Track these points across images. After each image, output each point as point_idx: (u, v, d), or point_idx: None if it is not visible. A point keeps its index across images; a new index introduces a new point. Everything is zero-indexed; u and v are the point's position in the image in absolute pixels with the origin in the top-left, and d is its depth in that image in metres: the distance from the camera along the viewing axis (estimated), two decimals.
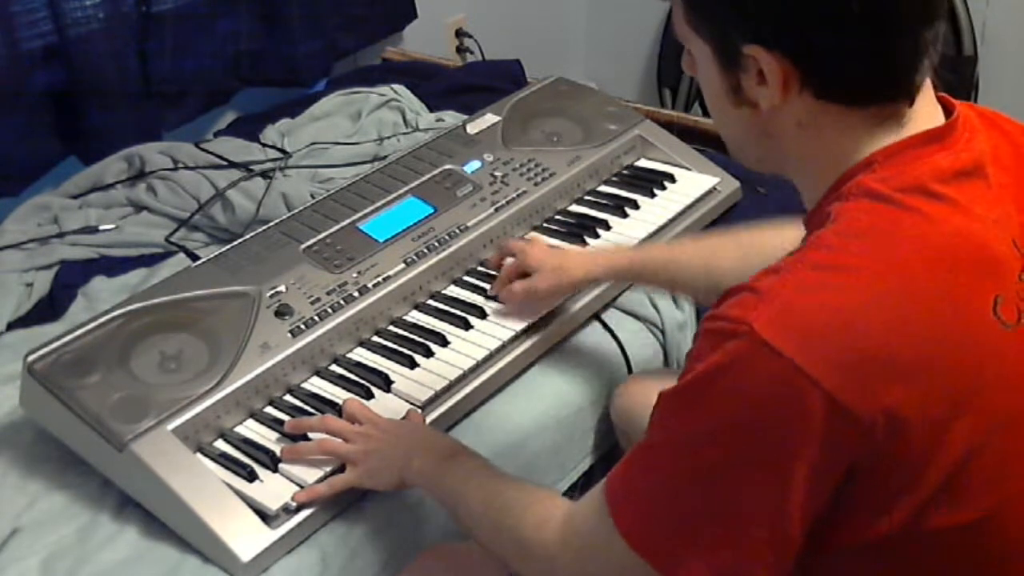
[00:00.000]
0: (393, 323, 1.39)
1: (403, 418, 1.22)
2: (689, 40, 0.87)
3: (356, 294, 1.35)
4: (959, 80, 2.52)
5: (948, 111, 0.86)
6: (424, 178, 1.56)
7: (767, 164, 0.91)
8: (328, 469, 1.16)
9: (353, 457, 1.14)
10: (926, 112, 0.84)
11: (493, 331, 1.37)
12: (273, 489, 1.13)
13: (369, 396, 1.26)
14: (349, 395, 1.25)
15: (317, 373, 1.31)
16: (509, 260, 1.41)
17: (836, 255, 0.78)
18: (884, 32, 0.78)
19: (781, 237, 1.16)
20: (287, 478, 1.15)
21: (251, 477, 1.14)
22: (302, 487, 1.13)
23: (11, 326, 1.50)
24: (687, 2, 0.85)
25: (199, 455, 1.17)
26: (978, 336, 0.78)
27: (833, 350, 0.74)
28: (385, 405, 1.25)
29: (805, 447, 0.75)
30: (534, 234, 1.54)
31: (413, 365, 1.31)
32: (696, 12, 0.85)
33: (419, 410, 1.24)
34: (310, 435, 1.19)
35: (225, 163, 1.80)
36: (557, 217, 1.61)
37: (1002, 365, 0.79)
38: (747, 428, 0.76)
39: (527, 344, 1.37)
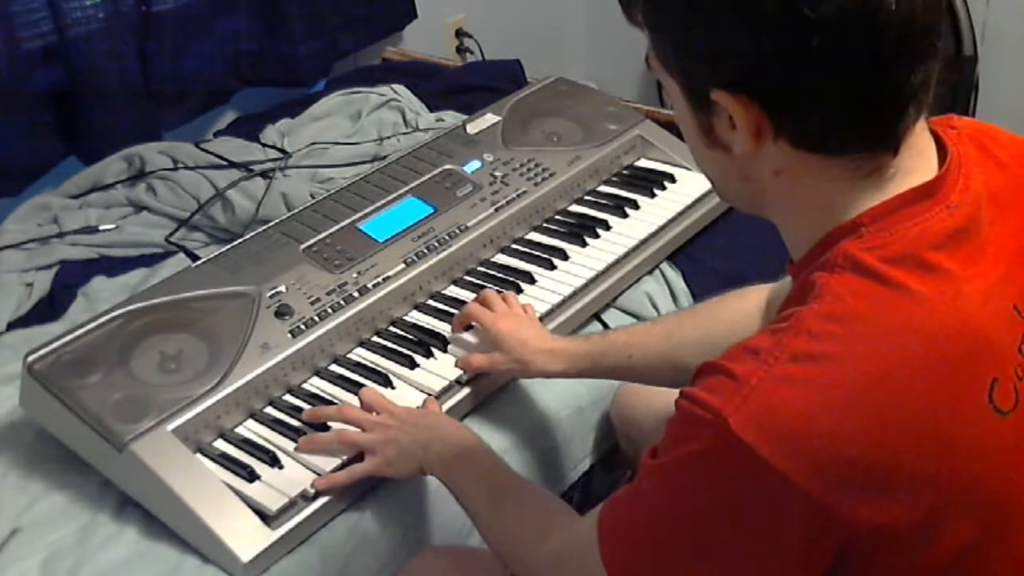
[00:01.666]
0: (393, 323, 1.39)
1: (420, 407, 1.22)
2: (660, 75, 0.82)
3: (356, 294, 1.35)
4: (959, 80, 2.52)
5: (940, 147, 0.80)
6: (424, 178, 1.56)
7: (748, 207, 0.86)
8: (343, 459, 1.16)
9: (372, 446, 1.14)
10: (915, 162, 0.78)
11: None
12: (277, 485, 1.13)
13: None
14: (349, 395, 1.26)
15: (317, 373, 1.31)
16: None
17: (818, 343, 0.73)
18: (860, 75, 0.72)
19: (741, 306, 1.17)
20: (304, 465, 1.16)
21: (251, 477, 1.14)
22: (319, 475, 1.14)
23: (11, 326, 1.50)
24: (654, 37, 0.80)
25: (199, 455, 1.17)
26: (971, 434, 0.74)
27: (813, 454, 0.70)
28: (398, 395, 1.26)
29: (787, 547, 0.73)
30: (511, 295, 1.37)
31: (413, 365, 1.31)
32: (663, 47, 0.79)
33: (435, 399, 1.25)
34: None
35: (225, 163, 1.80)
36: (557, 217, 1.61)
37: (998, 459, 0.75)
38: (726, 521, 0.74)
39: None
